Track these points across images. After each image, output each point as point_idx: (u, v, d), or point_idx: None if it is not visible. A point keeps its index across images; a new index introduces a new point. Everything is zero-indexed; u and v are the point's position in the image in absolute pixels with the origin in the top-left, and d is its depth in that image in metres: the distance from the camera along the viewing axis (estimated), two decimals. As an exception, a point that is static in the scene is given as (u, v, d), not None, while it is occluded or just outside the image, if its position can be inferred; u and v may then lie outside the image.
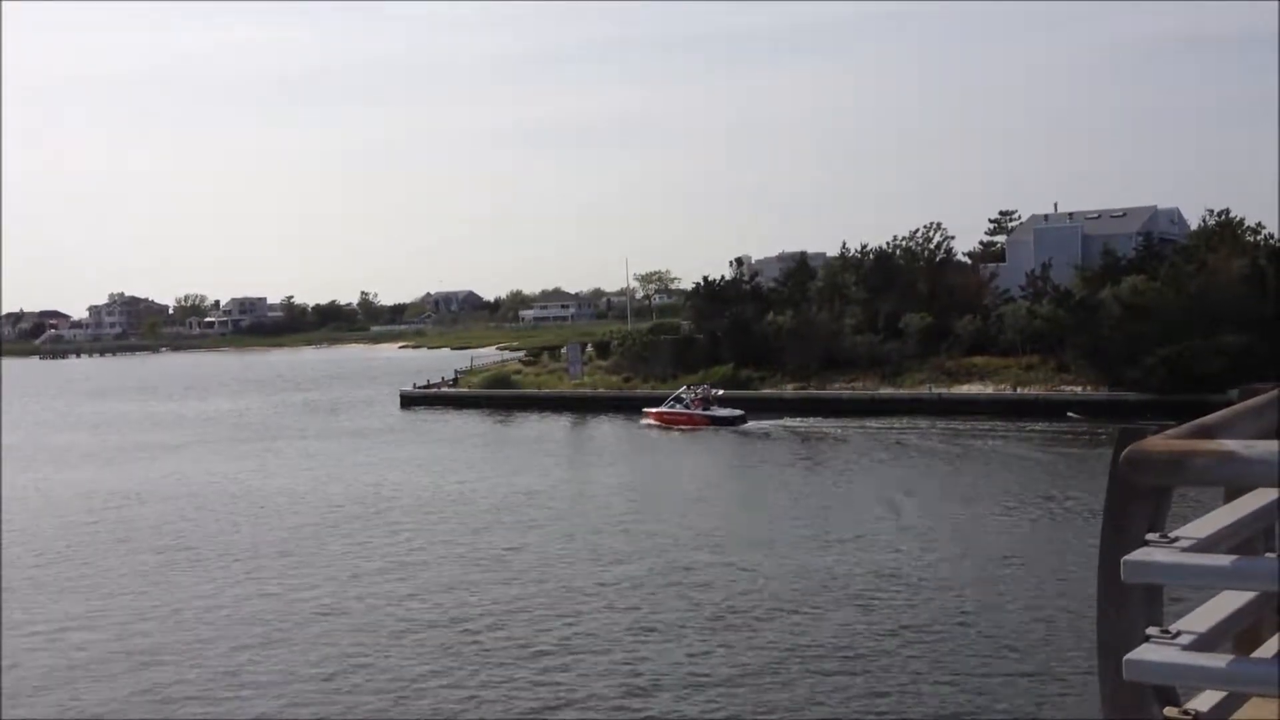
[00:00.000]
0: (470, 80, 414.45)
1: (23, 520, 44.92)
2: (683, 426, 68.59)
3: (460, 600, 30.71)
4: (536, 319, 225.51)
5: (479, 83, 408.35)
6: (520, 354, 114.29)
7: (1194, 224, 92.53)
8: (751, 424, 68.19)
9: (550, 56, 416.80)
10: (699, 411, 70.07)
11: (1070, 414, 66.20)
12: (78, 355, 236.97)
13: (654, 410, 71.45)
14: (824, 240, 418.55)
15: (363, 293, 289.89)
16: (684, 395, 72.25)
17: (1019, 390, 70.68)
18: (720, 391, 73.57)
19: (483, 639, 27.10)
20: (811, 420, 69.56)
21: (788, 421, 69.21)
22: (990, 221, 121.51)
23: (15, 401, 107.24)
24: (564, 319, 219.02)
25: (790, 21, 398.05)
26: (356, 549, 37.56)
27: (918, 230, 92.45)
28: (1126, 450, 3.08)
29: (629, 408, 77.02)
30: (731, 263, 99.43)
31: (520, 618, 28.72)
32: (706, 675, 23.94)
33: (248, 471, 56.97)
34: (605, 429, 71.38)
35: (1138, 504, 3.18)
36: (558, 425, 74.86)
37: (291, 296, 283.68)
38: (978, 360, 75.78)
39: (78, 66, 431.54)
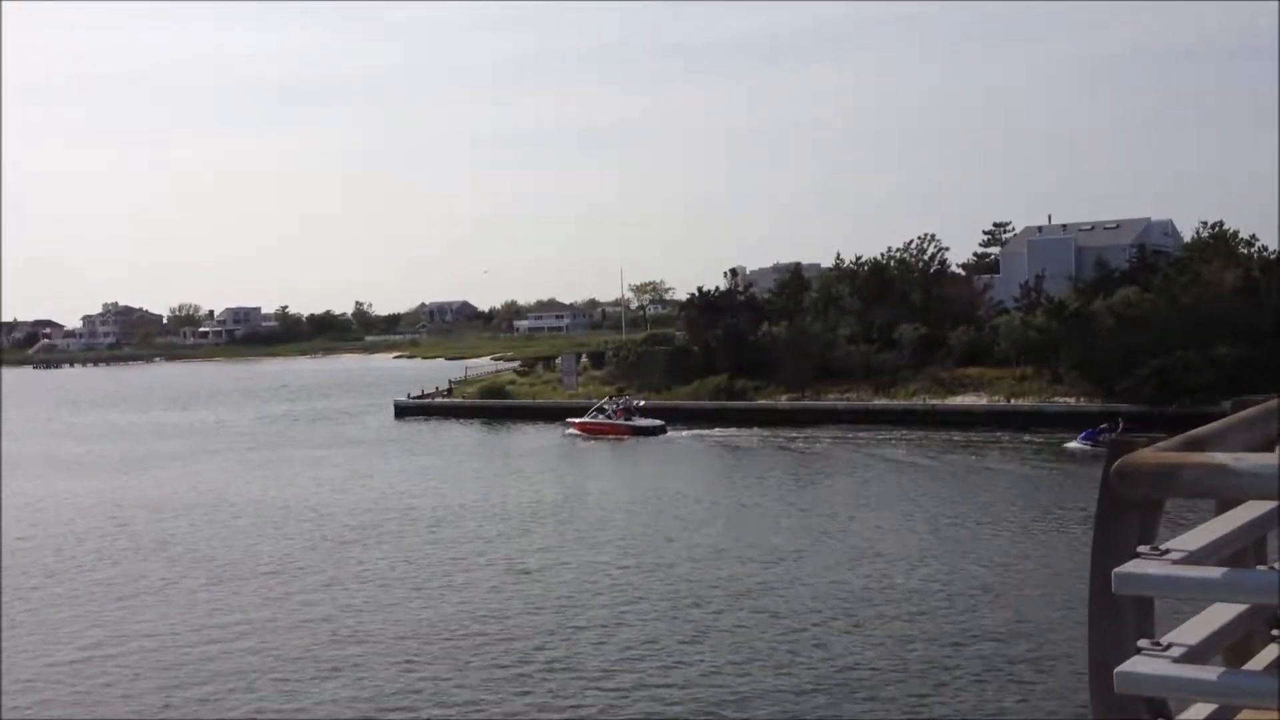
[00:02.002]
0: (470, 84, 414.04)
1: (32, 531, 44.51)
2: (606, 436, 70.06)
3: (474, 610, 30.54)
4: (531, 329, 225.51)
5: (478, 87, 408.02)
6: (515, 364, 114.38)
7: (1187, 236, 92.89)
8: (670, 434, 70.11)
9: (549, 59, 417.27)
10: (621, 421, 71.50)
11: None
12: (71, 365, 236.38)
13: (577, 420, 73.29)
14: (818, 251, 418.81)
15: (357, 302, 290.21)
16: (606, 406, 74.17)
17: (1013, 401, 70.82)
18: (641, 402, 75.63)
19: (496, 648, 26.91)
20: (730, 430, 70.97)
21: (705, 431, 71.01)
22: (984, 233, 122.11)
23: (13, 411, 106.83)
24: (559, 329, 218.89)
25: (791, 24, 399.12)
26: (369, 562, 37.20)
27: (912, 241, 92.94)
28: (1117, 462, 3.09)
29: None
30: (726, 273, 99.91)
31: (554, 632, 28.46)
32: (709, 678, 23.95)
33: (249, 482, 56.63)
34: (598, 442, 71.19)
35: (1129, 516, 3.18)
36: (551, 436, 74.70)
37: (286, 306, 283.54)
38: (972, 371, 75.92)
39: (78, 66, 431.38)
